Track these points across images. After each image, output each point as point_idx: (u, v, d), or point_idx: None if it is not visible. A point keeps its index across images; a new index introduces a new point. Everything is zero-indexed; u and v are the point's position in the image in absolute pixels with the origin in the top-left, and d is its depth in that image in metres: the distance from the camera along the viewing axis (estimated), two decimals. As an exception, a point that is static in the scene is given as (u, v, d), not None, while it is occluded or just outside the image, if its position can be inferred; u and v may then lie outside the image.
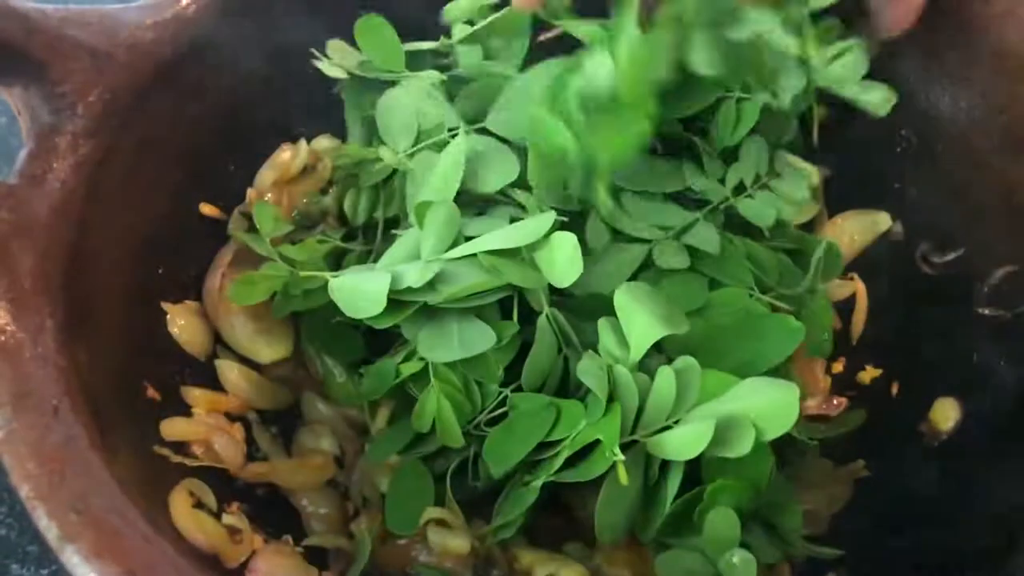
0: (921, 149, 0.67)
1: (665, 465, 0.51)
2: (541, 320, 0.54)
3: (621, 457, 0.48)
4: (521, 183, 0.58)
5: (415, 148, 0.63)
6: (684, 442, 0.48)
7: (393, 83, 0.66)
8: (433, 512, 0.55)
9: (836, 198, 0.72)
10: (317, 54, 0.67)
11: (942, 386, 0.63)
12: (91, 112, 0.55)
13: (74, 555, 0.40)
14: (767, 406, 0.48)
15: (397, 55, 0.65)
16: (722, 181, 0.64)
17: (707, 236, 0.58)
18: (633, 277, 0.59)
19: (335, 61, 0.67)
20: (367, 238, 0.67)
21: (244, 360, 0.63)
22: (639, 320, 0.51)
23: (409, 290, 0.52)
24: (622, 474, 0.48)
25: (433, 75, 0.65)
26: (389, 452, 0.57)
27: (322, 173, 0.69)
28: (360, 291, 0.53)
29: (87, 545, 0.40)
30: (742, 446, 0.47)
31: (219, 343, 0.63)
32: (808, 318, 0.61)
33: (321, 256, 0.63)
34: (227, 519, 0.53)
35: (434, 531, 0.54)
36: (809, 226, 0.71)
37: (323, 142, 0.71)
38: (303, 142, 0.70)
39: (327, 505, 0.59)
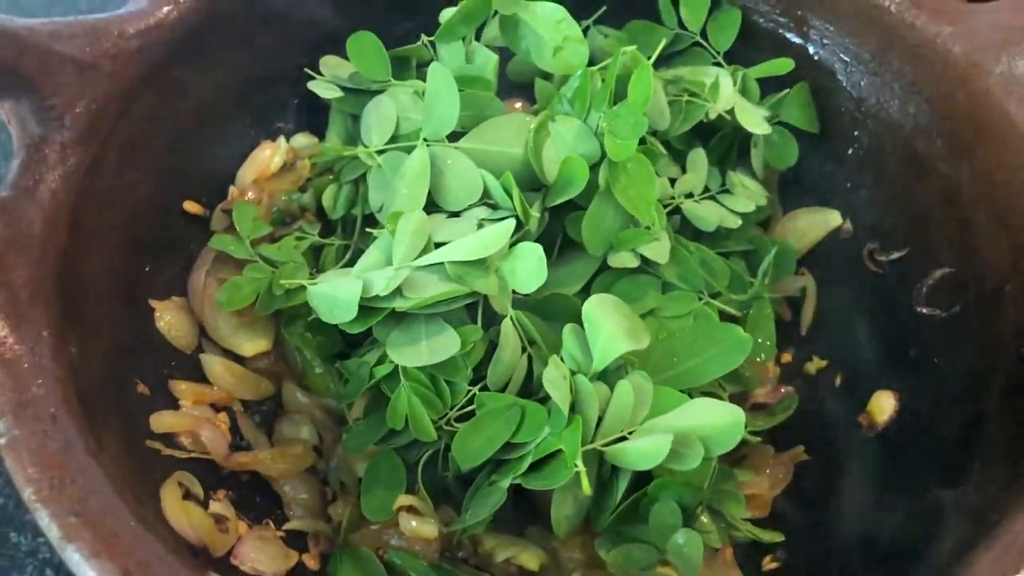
0: (871, 152, 0.71)
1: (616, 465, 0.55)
2: (505, 324, 0.58)
3: (583, 469, 0.52)
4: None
5: (387, 147, 0.66)
6: (642, 454, 0.52)
7: (381, 91, 0.69)
8: (405, 500, 0.59)
9: (791, 196, 0.76)
10: (312, 73, 0.71)
11: (881, 379, 0.68)
12: (78, 122, 0.58)
13: (74, 554, 0.44)
14: (715, 426, 0.52)
15: (383, 66, 0.69)
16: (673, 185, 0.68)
17: (658, 247, 0.62)
18: (591, 279, 0.63)
19: (328, 77, 0.71)
20: (345, 233, 0.71)
21: (227, 353, 0.67)
22: (604, 333, 0.55)
23: (378, 297, 0.56)
24: (585, 485, 0.52)
25: (417, 84, 0.69)
26: (365, 444, 0.61)
27: (300, 171, 0.72)
28: (334, 298, 0.57)
29: (86, 545, 0.44)
30: (691, 461, 0.52)
31: (203, 336, 0.67)
32: (752, 323, 0.65)
33: (300, 254, 0.66)
34: (214, 507, 0.58)
35: (405, 517, 0.59)
36: (765, 222, 0.75)
37: (301, 139, 0.74)
38: (282, 139, 0.73)
39: (307, 491, 0.63)
